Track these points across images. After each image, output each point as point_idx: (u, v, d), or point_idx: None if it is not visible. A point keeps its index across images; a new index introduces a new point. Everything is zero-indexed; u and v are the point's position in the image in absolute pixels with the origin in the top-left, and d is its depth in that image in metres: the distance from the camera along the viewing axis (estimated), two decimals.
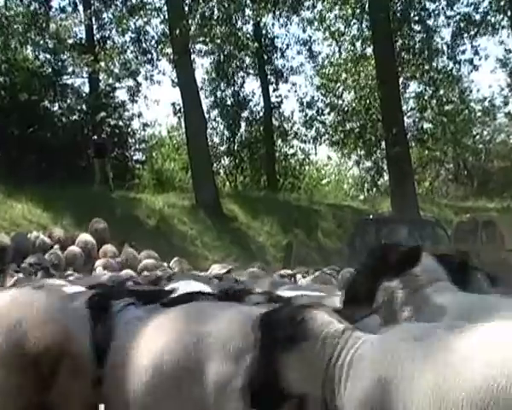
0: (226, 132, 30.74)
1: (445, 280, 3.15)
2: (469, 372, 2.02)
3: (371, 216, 19.80)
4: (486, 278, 3.65)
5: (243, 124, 31.02)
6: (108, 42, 26.14)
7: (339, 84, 28.54)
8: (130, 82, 25.60)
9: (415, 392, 2.10)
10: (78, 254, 13.39)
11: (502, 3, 22.72)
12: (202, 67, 32.77)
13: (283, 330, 2.42)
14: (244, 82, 30.52)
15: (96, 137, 21.42)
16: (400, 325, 2.55)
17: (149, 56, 24.97)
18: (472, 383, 2.00)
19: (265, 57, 29.58)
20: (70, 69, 24.62)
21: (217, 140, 30.90)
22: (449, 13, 24.03)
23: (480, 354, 2.04)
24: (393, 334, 2.36)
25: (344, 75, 28.05)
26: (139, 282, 6.47)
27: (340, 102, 28.92)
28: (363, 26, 25.33)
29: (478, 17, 23.32)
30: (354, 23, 25.94)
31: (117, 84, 25.72)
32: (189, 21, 20.77)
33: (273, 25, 30.26)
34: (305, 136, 30.21)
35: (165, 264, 13.47)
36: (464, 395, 1.99)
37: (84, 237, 14.44)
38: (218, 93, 30.45)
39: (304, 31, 29.31)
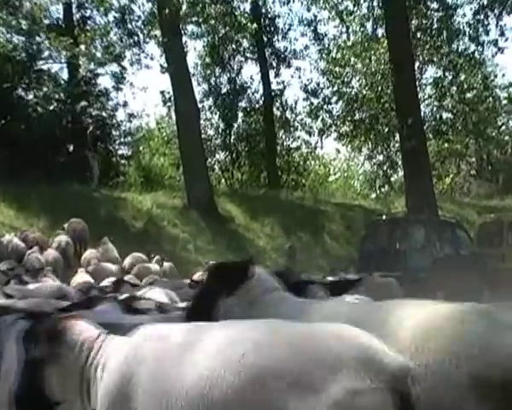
0: (221, 124, 30.78)
1: (278, 290, 3.56)
2: (190, 365, 2.48)
3: (384, 217, 19.79)
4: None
5: (241, 114, 31.06)
6: (89, 22, 26.20)
7: (347, 69, 28.57)
8: (114, 67, 25.59)
9: (142, 386, 2.57)
10: (57, 258, 13.41)
11: None
12: (195, 50, 32.76)
13: (41, 345, 2.83)
14: (241, 67, 30.61)
15: (90, 124, 21.65)
16: (148, 326, 2.91)
17: (135, 39, 24.86)
18: (192, 375, 2.46)
19: (265, 39, 29.64)
20: (46, 53, 24.57)
21: (211, 132, 30.97)
22: None
23: (210, 349, 2.49)
24: (140, 334, 2.78)
25: (353, 59, 28.10)
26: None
27: (349, 89, 28.96)
28: (375, 3, 25.38)
29: None
30: (364, 0, 25.98)
31: (99, 70, 25.71)
32: None
33: (274, 3, 30.43)
34: (310, 127, 30.32)
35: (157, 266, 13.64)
36: (185, 385, 2.45)
37: (60, 238, 14.50)
38: (213, 80, 30.51)
39: (308, 9, 29.41)
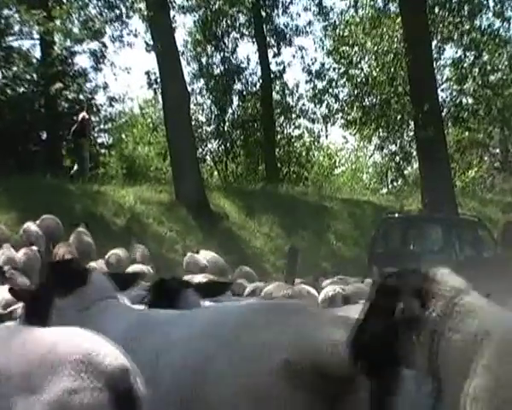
0: (214, 109, 30.73)
1: (115, 297, 3.89)
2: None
3: (397, 214, 19.79)
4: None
5: (235, 98, 31.03)
6: None
7: (356, 48, 28.49)
8: (94, 45, 25.50)
9: None
10: (31, 256, 13.30)
11: None
12: (184, 26, 32.71)
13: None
14: (237, 46, 30.58)
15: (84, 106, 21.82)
16: None
17: (117, 12, 24.78)
18: None
19: (264, 14, 29.58)
20: (16, 28, 24.48)
21: (202, 119, 30.93)
22: None
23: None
24: None
25: (362, 37, 28.01)
26: None
27: (358, 70, 28.88)
28: None
29: None
30: None
31: (76, 48, 25.65)
32: None
33: None
34: (314, 113, 30.29)
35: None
36: None
37: (29, 226, 14.46)
38: (204, 60, 30.48)
39: None
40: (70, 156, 24.90)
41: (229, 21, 29.83)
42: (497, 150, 34.62)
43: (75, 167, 21.70)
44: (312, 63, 29.65)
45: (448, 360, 2.78)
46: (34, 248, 13.57)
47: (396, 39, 26.05)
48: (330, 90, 29.00)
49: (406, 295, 2.88)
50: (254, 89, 30.55)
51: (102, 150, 27.47)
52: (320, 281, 13.26)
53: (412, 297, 2.87)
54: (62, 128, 24.45)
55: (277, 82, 30.66)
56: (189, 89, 25.45)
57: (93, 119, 26.46)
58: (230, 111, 30.94)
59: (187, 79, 25.15)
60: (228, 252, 18.26)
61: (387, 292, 2.95)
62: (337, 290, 10.03)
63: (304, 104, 30.76)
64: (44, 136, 25.44)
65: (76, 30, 24.34)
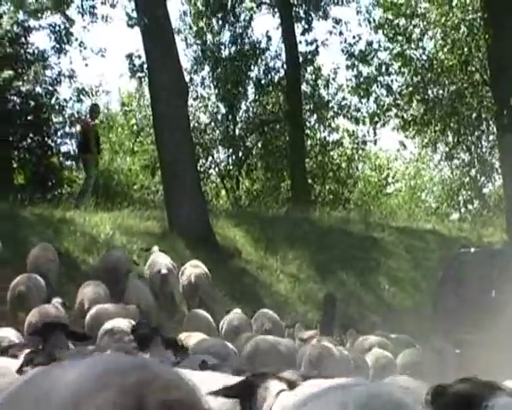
0: (222, 106, 30.91)
1: None
2: None
3: (473, 249, 19.77)
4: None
5: (251, 91, 31.20)
6: None
7: (416, 20, 28.64)
8: (56, 19, 25.73)
9: None
10: None
11: None
12: None
13: None
14: (252, 19, 30.74)
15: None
16: None
17: None
18: None
19: None
20: None
21: (205, 119, 31.09)
22: None
23: None
24: None
25: (425, 6, 28.17)
26: None
27: (418, 51, 29.01)
28: None
29: None
30: None
31: (32, 23, 25.87)
32: None
33: None
34: (358, 111, 30.37)
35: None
36: None
37: None
38: (209, 39, 30.66)
39: None
40: (24, 171, 25.08)
41: None
42: None
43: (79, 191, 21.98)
44: (356, 42, 29.81)
45: None
46: None
47: (471, 8, 26.18)
48: (380, 79, 29.14)
49: None
50: (276, 78, 30.72)
51: (68, 162, 27.52)
52: (297, 329, 13.93)
53: None
54: (13, 132, 24.58)
55: (308, 68, 30.81)
56: (187, 78, 25.62)
57: (55, 119, 26.64)
58: (244, 108, 31.12)
59: (184, 64, 25.34)
60: (240, 299, 18.32)
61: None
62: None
63: (344, 98, 30.91)
64: None
65: None
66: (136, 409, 2.81)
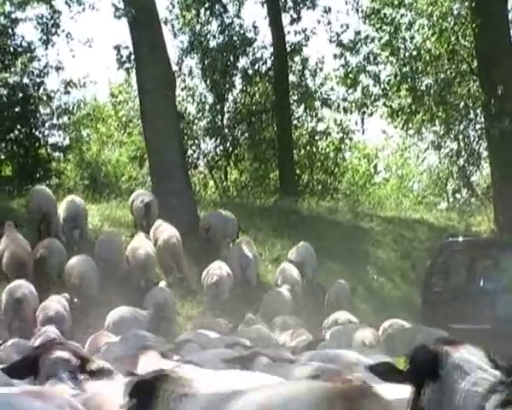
0: (209, 96, 30.86)
1: None
2: None
3: (461, 238, 19.79)
4: None
5: (239, 81, 31.14)
6: None
7: (403, 10, 28.63)
8: (42, 10, 25.64)
9: None
10: None
11: None
12: None
13: None
14: (240, 8, 30.65)
15: None
16: None
17: None
18: None
19: None
20: None
21: (192, 110, 31.02)
22: None
23: None
24: None
25: None
26: None
27: (406, 41, 28.98)
28: None
29: None
30: None
31: (18, 15, 25.78)
32: None
33: None
34: (345, 100, 30.29)
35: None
36: None
37: None
38: (197, 28, 30.56)
39: None
40: (11, 163, 25.02)
41: None
42: None
43: None
44: (343, 31, 29.76)
45: None
46: None
47: None
48: (368, 68, 29.10)
49: None
50: (264, 68, 30.68)
51: (56, 153, 27.46)
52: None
53: None
54: (0, 124, 24.49)
55: (295, 58, 30.75)
56: (175, 68, 25.56)
57: (42, 110, 26.57)
58: (231, 98, 31.08)
59: (172, 55, 25.27)
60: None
61: None
62: None
63: (332, 88, 30.88)
64: None
65: None
66: None
